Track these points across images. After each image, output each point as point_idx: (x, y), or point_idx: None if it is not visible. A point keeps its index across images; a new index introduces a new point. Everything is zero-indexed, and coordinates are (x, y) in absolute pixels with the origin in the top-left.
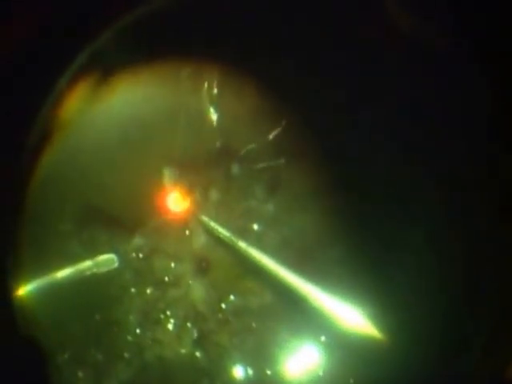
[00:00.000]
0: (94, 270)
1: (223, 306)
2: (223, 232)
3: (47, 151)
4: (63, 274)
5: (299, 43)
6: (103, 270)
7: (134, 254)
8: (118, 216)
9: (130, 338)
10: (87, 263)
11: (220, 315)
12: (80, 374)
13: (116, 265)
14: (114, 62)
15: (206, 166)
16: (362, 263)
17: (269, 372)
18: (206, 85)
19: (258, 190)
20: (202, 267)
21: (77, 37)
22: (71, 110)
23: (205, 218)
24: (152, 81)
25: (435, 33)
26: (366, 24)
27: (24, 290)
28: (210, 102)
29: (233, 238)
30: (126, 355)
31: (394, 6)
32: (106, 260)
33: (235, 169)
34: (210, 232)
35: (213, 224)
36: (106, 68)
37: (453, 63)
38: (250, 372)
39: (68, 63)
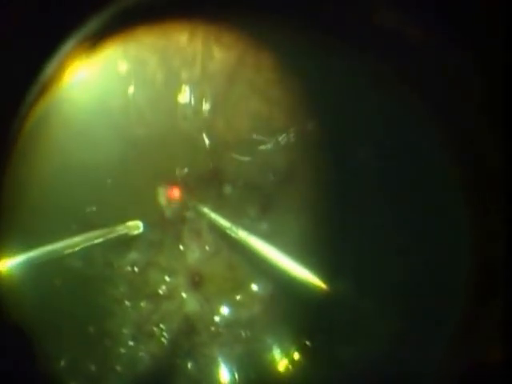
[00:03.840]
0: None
1: (216, 318)
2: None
3: (37, 156)
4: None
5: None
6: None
7: (129, 268)
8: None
9: (122, 350)
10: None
11: (212, 328)
12: None
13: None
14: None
15: (199, 184)
16: (358, 275)
17: (256, 378)
18: (199, 103)
19: (250, 208)
20: (196, 281)
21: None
22: (65, 119)
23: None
24: (148, 99)
25: (425, 31)
26: (359, 24)
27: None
28: (202, 121)
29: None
30: (119, 368)
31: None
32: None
33: (227, 188)
34: (203, 247)
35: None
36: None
37: (446, 61)
38: (238, 379)
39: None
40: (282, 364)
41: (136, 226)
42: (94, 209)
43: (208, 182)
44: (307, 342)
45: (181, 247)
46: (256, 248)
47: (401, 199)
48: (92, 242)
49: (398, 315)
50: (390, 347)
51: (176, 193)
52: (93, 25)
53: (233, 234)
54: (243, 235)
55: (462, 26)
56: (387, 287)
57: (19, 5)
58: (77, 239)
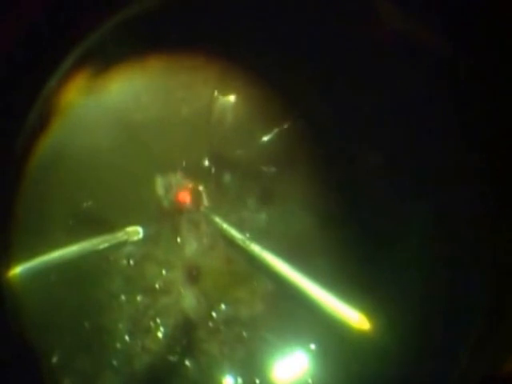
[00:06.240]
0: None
1: (214, 314)
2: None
3: (38, 151)
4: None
5: (291, 48)
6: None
7: (125, 261)
8: (109, 222)
9: (119, 345)
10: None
11: (210, 324)
12: (67, 381)
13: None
14: (112, 57)
15: (197, 174)
16: (357, 271)
17: (258, 381)
18: (198, 93)
19: (250, 199)
20: (193, 275)
21: (76, 30)
22: (64, 111)
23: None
24: (146, 86)
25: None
26: (362, 24)
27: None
28: (201, 110)
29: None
30: (115, 363)
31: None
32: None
33: (227, 178)
34: (201, 240)
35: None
36: (103, 63)
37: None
38: (240, 381)
39: (63, 58)
40: (283, 365)
41: (135, 232)
42: (91, 203)
43: (207, 171)
44: (310, 343)
45: (178, 240)
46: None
47: (404, 196)
48: (92, 249)
49: (412, 321)
50: (402, 354)
51: (186, 197)
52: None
53: (241, 243)
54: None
55: (467, 27)
56: (398, 291)
57: (22, 19)
58: (77, 247)
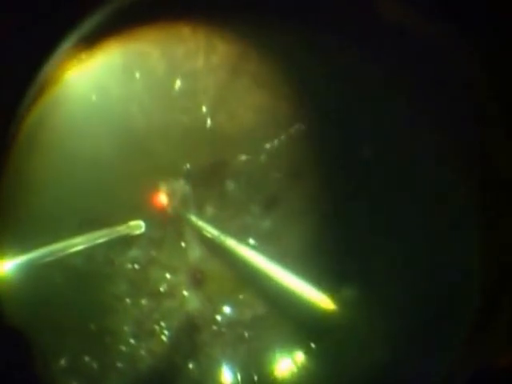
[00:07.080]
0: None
1: (218, 317)
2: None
3: (37, 154)
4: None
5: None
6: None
7: (130, 265)
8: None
9: (123, 348)
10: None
11: (214, 327)
12: (73, 382)
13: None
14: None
15: (201, 180)
16: (361, 276)
17: (258, 379)
18: (201, 97)
19: (254, 205)
20: (197, 279)
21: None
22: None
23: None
24: (146, 85)
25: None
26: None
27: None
28: (205, 115)
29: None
30: (120, 365)
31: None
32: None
33: (230, 184)
34: (205, 244)
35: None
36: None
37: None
38: (240, 379)
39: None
40: (285, 365)
41: (138, 226)
42: (95, 205)
43: (210, 177)
44: (312, 344)
45: (182, 244)
46: (245, 257)
47: (409, 200)
48: (93, 243)
49: (407, 317)
50: (398, 350)
51: (163, 200)
52: (93, 21)
53: (221, 243)
54: (232, 244)
55: (468, 22)
56: (395, 288)
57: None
58: (78, 240)
